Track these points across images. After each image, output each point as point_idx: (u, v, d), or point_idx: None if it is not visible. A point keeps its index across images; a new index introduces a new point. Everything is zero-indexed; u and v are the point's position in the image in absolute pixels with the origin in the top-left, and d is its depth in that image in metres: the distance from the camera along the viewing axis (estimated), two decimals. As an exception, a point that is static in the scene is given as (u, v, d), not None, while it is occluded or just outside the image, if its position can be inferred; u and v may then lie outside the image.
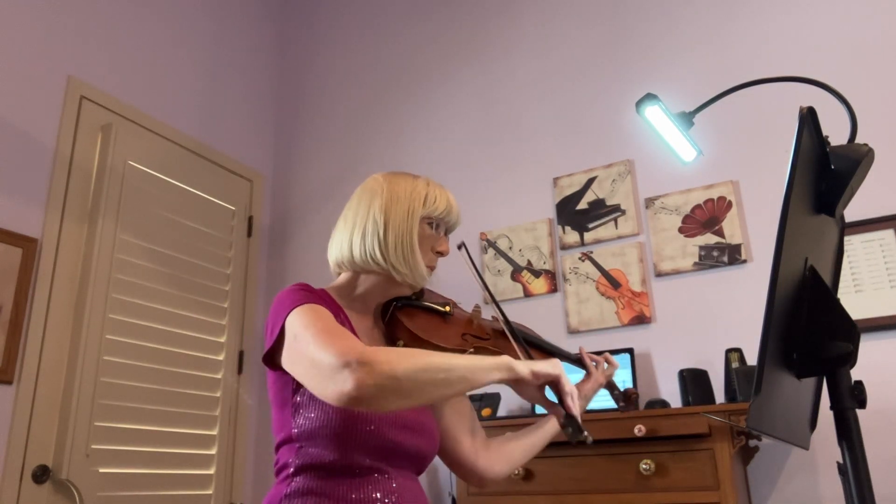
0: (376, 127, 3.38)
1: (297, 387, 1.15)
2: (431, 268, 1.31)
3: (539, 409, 2.43)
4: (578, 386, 1.47)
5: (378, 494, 1.13)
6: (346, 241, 1.29)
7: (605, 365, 1.53)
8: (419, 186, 1.30)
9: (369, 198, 1.30)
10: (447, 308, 1.36)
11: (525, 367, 1.11)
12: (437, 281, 1.43)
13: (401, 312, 1.31)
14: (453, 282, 2.94)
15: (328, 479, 1.12)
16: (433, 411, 1.35)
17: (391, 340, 1.31)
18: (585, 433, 1.10)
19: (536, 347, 1.47)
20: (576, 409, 1.13)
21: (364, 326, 1.29)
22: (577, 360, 1.52)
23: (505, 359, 1.11)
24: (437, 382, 1.04)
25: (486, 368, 1.09)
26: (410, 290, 1.32)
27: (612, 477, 2.01)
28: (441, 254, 1.32)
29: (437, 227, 1.32)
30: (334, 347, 1.02)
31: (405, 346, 1.27)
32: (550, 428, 1.44)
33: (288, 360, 1.11)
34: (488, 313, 1.48)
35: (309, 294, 1.18)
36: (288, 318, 1.12)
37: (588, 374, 1.49)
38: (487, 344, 1.34)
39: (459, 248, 1.40)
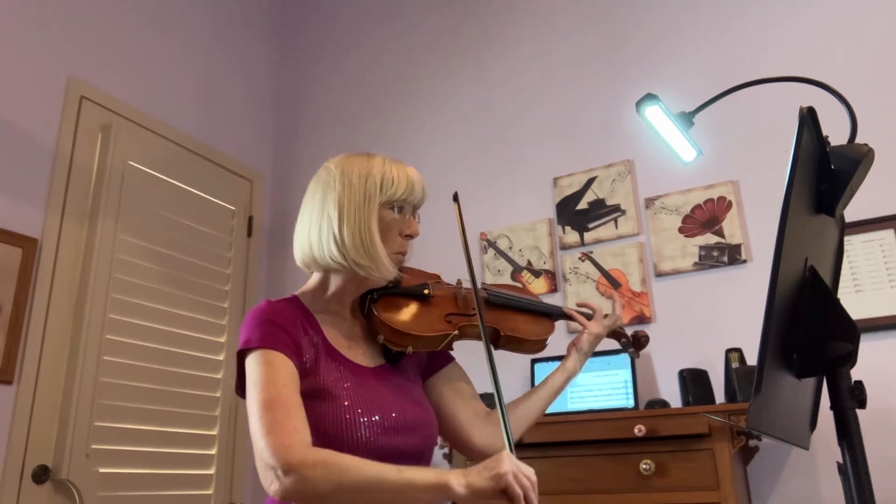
0: (376, 127, 3.38)
1: None
2: (402, 253, 1.26)
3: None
4: (574, 342, 1.43)
5: None
6: (304, 240, 1.24)
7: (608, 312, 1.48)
8: (374, 170, 1.22)
9: (322, 191, 1.23)
10: (427, 291, 1.29)
11: (462, 485, 1.00)
12: (427, 254, 1.38)
13: (377, 306, 1.25)
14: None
15: None
16: (429, 393, 1.33)
17: (372, 336, 1.27)
18: None
19: (526, 312, 1.41)
20: None
21: (341, 330, 1.25)
22: (567, 316, 1.47)
23: (442, 478, 1.01)
24: (363, 500, 1.02)
25: (419, 488, 1.01)
26: (383, 282, 1.25)
27: (612, 477, 2.01)
28: (411, 236, 1.25)
29: (402, 209, 1.23)
30: (270, 439, 1.01)
31: (386, 340, 1.23)
32: (546, 394, 1.38)
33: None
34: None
35: (270, 329, 1.13)
36: (246, 359, 1.13)
37: (582, 328, 1.45)
38: (473, 320, 1.28)
39: (454, 199, 1.29)
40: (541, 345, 1.39)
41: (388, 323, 1.22)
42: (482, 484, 1.00)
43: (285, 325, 1.15)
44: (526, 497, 0.99)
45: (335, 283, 1.25)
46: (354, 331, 1.28)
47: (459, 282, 1.37)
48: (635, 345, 1.53)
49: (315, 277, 1.28)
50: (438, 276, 1.39)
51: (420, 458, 1.23)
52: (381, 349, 1.29)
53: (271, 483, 1.00)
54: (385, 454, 1.14)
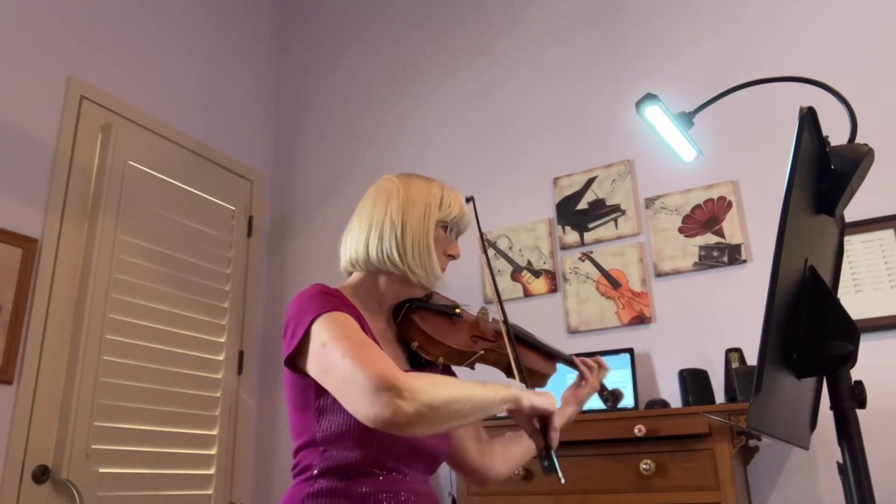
0: (376, 127, 3.38)
1: (320, 391, 1.15)
2: (443, 269, 1.33)
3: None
4: (576, 392, 1.52)
5: (398, 494, 1.15)
6: (361, 241, 1.29)
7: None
8: (434, 189, 1.32)
9: (385, 198, 1.31)
10: (457, 311, 1.38)
11: (528, 401, 1.14)
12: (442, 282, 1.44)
13: (414, 314, 1.32)
14: (456, 282, 2.93)
15: (350, 480, 1.14)
16: None
17: (404, 342, 1.32)
18: (560, 473, 1.13)
19: (536, 349, 1.50)
20: (555, 443, 1.17)
21: (378, 327, 1.30)
22: (573, 365, 1.56)
23: (513, 393, 1.14)
24: (464, 413, 1.08)
25: (498, 401, 1.12)
26: (423, 292, 1.33)
27: (612, 477, 2.01)
28: (452, 257, 1.34)
29: (450, 230, 1.34)
30: (373, 368, 1.02)
31: (419, 347, 1.29)
32: None
33: (315, 368, 1.11)
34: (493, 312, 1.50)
35: (332, 299, 1.17)
36: (314, 325, 1.12)
37: (585, 380, 1.53)
38: (494, 346, 1.36)
39: (468, 200, 1.41)
40: (545, 379, 1.48)
41: (424, 330, 1.28)
42: (542, 405, 1.16)
43: (346, 307, 1.19)
44: (557, 429, 1.17)
45: (380, 285, 1.31)
46: (388, 335, 1.32)
47: (483, 310, 1.45)
48: (613, 399, 1.63)
49: (357, 277, 1.33)
50: (460, 305, 1.46)
51: (436, 459, 1.27)
52: (408, 357, 1.33)
53: (383, 406, 1.00)
54: (412, 449, 1.19)
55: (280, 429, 3.11)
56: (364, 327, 1.22)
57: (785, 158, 2.38)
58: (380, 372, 1.02)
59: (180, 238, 2.90)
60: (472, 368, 1.36)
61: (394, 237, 1.26)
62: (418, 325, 1.29)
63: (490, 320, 1.44)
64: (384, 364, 1.04)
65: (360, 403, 1.03)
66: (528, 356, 1.46)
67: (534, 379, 1.44)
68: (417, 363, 1.33)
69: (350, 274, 1.35)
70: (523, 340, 1.48)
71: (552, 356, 1.53)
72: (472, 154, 3.08)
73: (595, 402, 2.29)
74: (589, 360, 1.56)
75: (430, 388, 1.03)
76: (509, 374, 1.37)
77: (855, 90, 2.29)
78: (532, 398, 1.15)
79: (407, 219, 1.27)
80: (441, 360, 1.29)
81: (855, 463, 0.89)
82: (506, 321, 1.33)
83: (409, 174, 1.37)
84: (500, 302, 1.36)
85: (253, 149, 3.50)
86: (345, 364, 1.05)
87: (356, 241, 1.30)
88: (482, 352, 1.34)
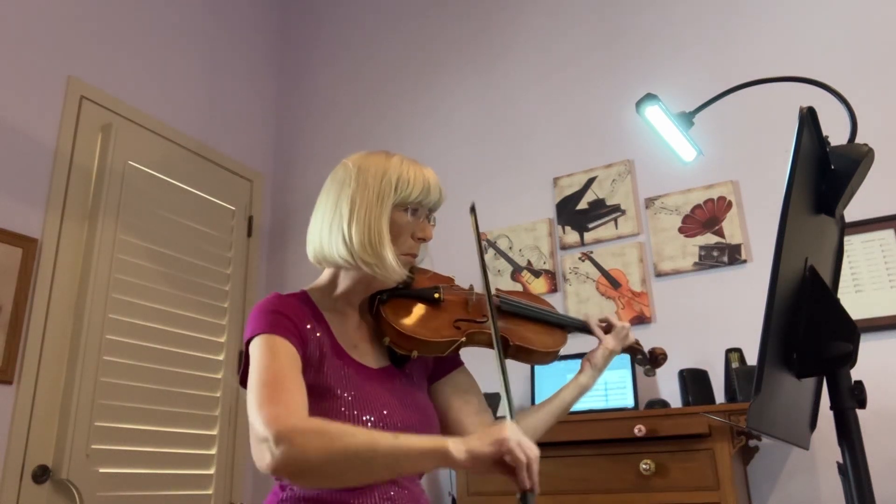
0: (376, 127, 3.38)
1: None
2: (412, 255, 1.24)
3: (539, 400, 2.43)
4: (590, 356, 1.38)
5: (376, 498, 1.12)
6: (316, 236, 1.23)
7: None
8: (390, 170, 1.21)
9: (338, 188, 1.23)
10: (437, 295, 1.27)
11: (462, 451, 0.95)
12: (441, 256, 1.35)
13: (385, 307, 1.23)
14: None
15: (320, 489, 1.11)
16: (434, 399, 1.31)
17: (379, 337, 1.25)
18: None
19: (540, 321, 1.38)
20: (531, 483, 0.95)
21: (348, 329, 1.24)
22: (585, 329, 1.42)
23: (440, 444, 0.96)
24: (357, 469, 0.97)
25: (415, 456, 0.96)
26: (392, 284, 1.23)
27: (612, 477, 2.01)
28: (423, 239, 1.24)
29: (416, 211, 1.22)
30: (263, 412, 0.98)
31: (391, 342, 1.21)
32: (556, 408, 1.35)
33: None
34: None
35: (274, 317, 1.12)
36: (249, 346, 1.11)
37: (599, 343, 1.40)
38: (483, 327, 1.25)
39: (471, 211, 1.27)
40: (551, 356, 1.35)
41: (394, 325, 1.20)
42: (483, 449, 0.95)
43: (290, 316, 1.14)
44: (528, 465, 0.94)
45: (344, 281, 1.24)
46: (362, 331, 1.26)
47: (472, 287, 1.35)
48: (652, 362, 1.48)
49: (326, 274, 1.27)
50: (452, 280, 1.36)
51: None
52: (387, 351, 1.27)
53: (262, 456, 0.96)
54: None
55: (280, 429, 3.11)
56: (325, 333, 1.17)
57: (785, 158, 2.37)
58: (268, 417, 0.96)
59: (180, 238, 2.90)
60: (457, 355, 1.27)
61: (340, 230, 1.17)
62: (388, 321, 1.20)
63: (480, 294, 1.29)
64: (280, 408, 0.98)
65: (251, 446, 1.01)
66: (529, 330, 1.33)
67: (535, 357, 1.32)
68: (395, 358, 1.26)
69: (323, 270, 1.28)
70: (522, 314, 1.35)
71: (562, 326, 1.39)
72: (472, 154, 3.08)
73: (595, 402, 2.30)
74: (611, 319, 1.42)
75: (312, 441, 0.94)
76: (507, 354, 1.27)
77: (855, 90, 2.29)
78: (471, 443, 0.95)
79: (356, 208, 1.17)
80: (415, 353, 1.20)
81: (855, 463, 0.89)
82: (489, 293, 1.18)
83: (368, 153, 1.26)
84: (485, 273, 1.21)
85: (253, 149, 3.50)
86: (250, 401, 1.02)
87: (312, 238, 1.24)
88: (464, 339, 1.22)
